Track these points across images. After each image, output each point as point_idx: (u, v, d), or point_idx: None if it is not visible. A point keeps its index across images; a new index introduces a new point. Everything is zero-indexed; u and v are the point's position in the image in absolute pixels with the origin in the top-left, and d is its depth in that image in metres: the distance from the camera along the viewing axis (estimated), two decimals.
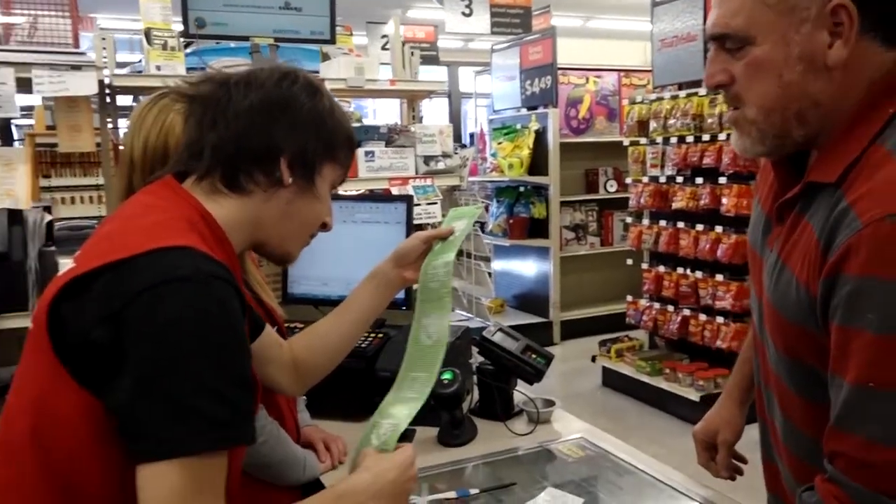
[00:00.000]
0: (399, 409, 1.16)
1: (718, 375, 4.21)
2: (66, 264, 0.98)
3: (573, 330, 6.05)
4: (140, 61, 2.59)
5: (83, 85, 2.04)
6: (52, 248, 2.05)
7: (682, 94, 4.48)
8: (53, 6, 3.29)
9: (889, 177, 0.87)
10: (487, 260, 2.32)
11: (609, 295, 6.03)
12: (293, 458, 1.48)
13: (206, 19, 2.40)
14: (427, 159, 2.50)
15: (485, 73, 7.41)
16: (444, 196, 2.47)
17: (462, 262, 2.47)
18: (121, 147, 1.93)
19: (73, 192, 4.43)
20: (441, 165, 2.51)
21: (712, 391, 4.15)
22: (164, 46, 2.24)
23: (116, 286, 0.87)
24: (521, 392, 1.93)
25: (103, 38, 2.20)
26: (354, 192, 2.51)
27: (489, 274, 2.33)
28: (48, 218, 2.12)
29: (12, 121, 5.37)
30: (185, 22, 2.40)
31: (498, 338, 1.87)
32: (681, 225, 4.46)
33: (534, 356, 1.86)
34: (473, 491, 1.52)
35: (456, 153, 2.59)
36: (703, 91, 4.30)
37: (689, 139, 4.35)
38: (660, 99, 4.64)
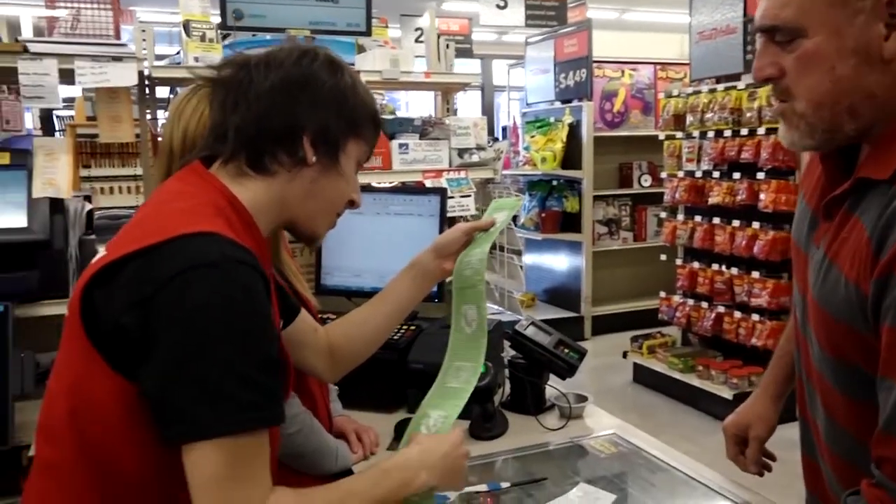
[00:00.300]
0: (447, 399, 1.16)
1: (752, 373, 4.14)
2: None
3: (604, 325, 6.01)
4: (178, 53, 2.62)
5: (124, 76, 2.07)
6: (92, 237, 2.09)
7: (720, 87, 4.40)
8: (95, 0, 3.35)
9: None
10: (519, 253, 2.31)
11: (641, 290, 5.98)
12: (326, 447, 1.50)
13: (244, 11, 2.42)
14: (461, 152, 2.49)
15: (518, 66, 7.37)
16: (478, 189, 2.46)
17: (494, 256, 2.47)
18: (159, 138, 1.96)
19: (113, 182, 4.50)
20: (475, 158, 2.50)
21: (746, 389, 4.09)
22: (203, 38, 2.26)
23: (145, 273, 0.89)
24: (553, 386, 1.92)
25: (143, 31, 2.24)
26: (388, 185, 2.51)
27: (521, 267, 2.32)
28: (88, 207, 2.16)
29: (54, 112, 5.47)
30: (223, 14, 2.42)
31: (530, 332, 1.86)
32: (716, 220, 4.39)
33: (566, 351, 1.84)
34: (504, 485, 1.52)
35: (490, 146, 2.58)
36: (741, 85, 4.23)
37: (727, 133, 4.27)
38: (697, 92, 4.57)
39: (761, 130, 4.04)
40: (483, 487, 1.50)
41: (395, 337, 1.92)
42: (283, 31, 2.49)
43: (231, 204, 1.01)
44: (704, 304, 4.55)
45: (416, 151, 2.43)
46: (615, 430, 1.78)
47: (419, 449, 1.06)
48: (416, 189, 2.36)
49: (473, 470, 1.60)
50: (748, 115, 4.13)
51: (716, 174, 4.39)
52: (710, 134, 4.40)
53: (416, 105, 9.70)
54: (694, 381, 4.47)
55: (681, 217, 4.75)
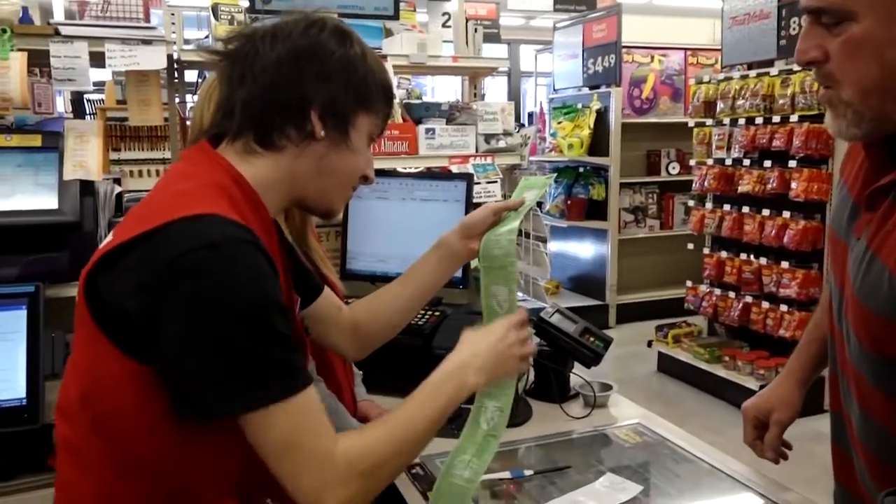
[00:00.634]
0: (496, 388, 1.15)
1: (780, 365, 4.09)
2: None
3: (629, 314, 5.97)
4: (207, 37, 2.63)
5: (153, 59, 2.08)
6: (121, 219, 2.12)
7: (753, 73, 4.32)
8: None
9: None
10: (545, 240, 2.29)
11: (667, 279, 5.93)
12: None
13: None
14: (488, 137, 2.47)
15: (545, 52, 7.29)
16: (504, 175, 2.44)
17: (520, 242, 2.45)
18: (188, 121, 1.97)
19: (141, 166, 4.54)
20: (502, 144, 2.48)
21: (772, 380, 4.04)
22: (231, 21, 2.26)
23: (148, 256, 0.89)
24: (578, 375, 1.91)
25: (172, 14, 2.24)
26: (414, 170, 2.50)
27: (546, 255, 2.30)
28: (118, 189, 2.18)
29: (84, 95, 5.53)
30: None
31: (556, 319, 1.85)
32: (746, 209, 4.33)
33: (592, 339, 1.83)
34: (528, 472, 1.51)
35: (517, 132, 2.56)
36: (774, 71, 4.14)
37: (759, 121, 4.20)
38: (728, 79, 4.49)
39: (794, 118, 3.97)
40: (506, 475, 1.49)
41: (420, 322, 1.92)
42: None
43: (236, 182, 0.99)
44: (731, 294, 4.50)
45: (442, 137, 2.41)
46: (640, 420, 1.77)
47: (464, 350, 1.08)
48: (442, 174, 2.35)
49: (496, 456, 1.59)
50: (780, 101, 4.05)
51: (746, 162, 4.32)
52: (741, 121, 4.32)
53: (442, 90, 9.64)
54: (720, 371, 4.43)
55: (709, 205, 4.69)
